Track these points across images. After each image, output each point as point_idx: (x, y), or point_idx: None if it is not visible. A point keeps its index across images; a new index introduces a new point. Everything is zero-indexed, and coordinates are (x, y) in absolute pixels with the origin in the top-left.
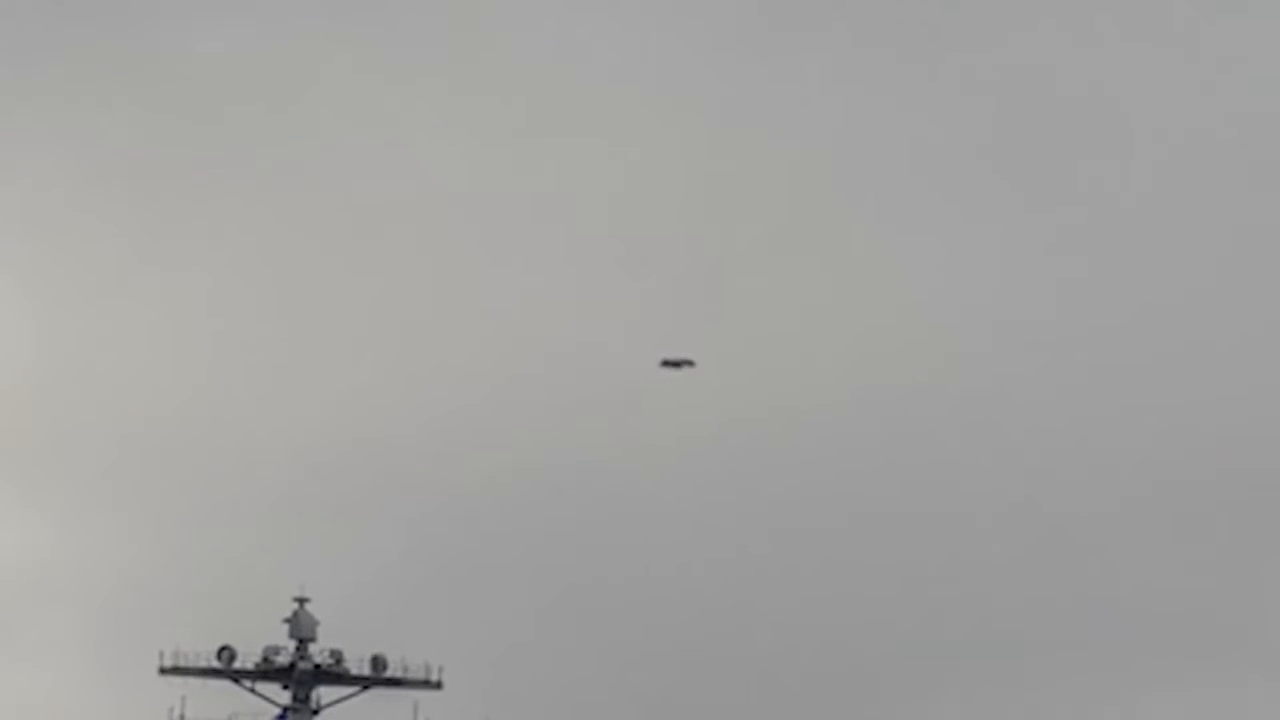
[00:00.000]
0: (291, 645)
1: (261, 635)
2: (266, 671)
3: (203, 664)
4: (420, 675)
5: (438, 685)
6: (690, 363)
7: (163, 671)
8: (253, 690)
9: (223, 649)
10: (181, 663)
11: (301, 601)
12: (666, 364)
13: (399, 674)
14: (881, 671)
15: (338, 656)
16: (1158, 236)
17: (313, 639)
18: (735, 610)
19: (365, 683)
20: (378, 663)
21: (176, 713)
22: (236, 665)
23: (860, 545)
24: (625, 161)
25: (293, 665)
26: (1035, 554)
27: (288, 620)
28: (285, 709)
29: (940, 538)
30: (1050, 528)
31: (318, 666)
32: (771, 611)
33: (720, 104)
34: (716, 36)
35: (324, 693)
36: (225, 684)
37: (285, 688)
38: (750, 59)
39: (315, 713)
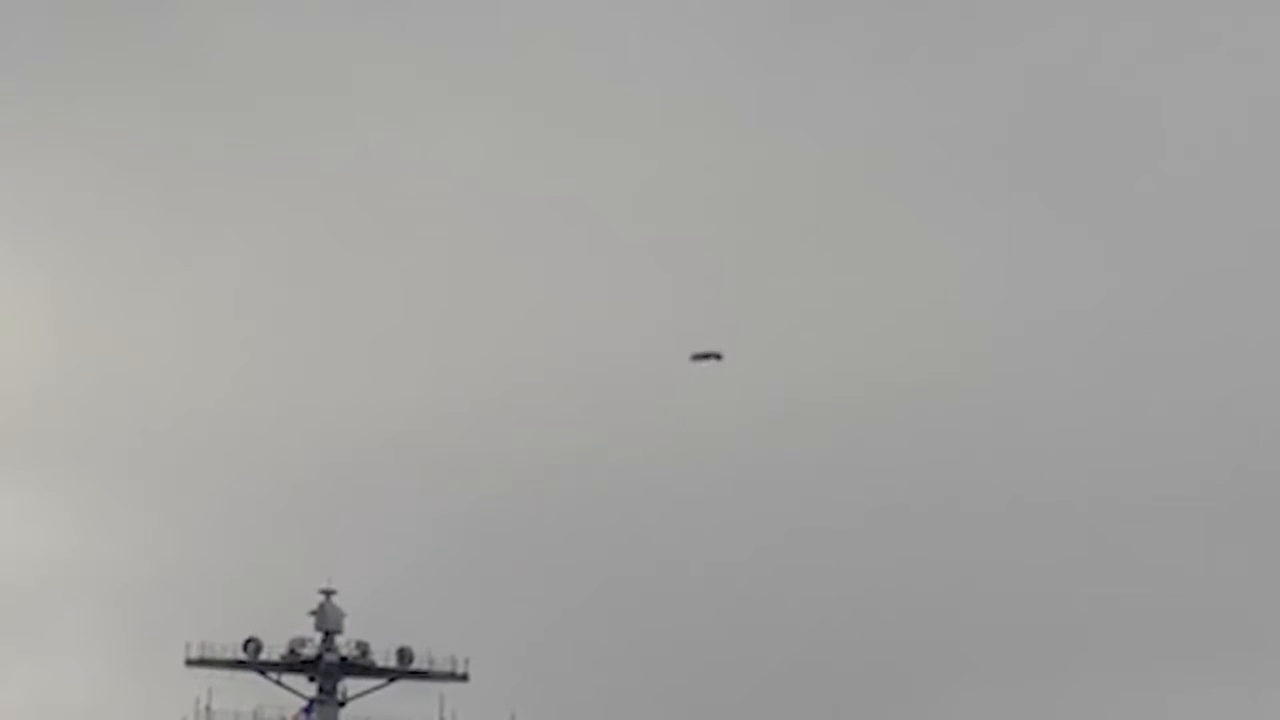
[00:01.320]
0: (318, 637)
1: (288, 627)
2: (293, 663)
3: (229, 656)
4: (446, 668)
5: (464, 678)
6: (718, 356)
7: (189, 663)
8: (279, 682)
9: (249, 641)
10: (208, 654)
11: (328, 594)
12: (696, 357)
13: (425, 666)
14: (907, 667)
15: (364, 648)
16: (1184, 232)
17: (339, 631)
18: (761, 605)
19: (391, 675)
20: (404, 655)
21: (203, 704)
22: (263, 657)
23: (887, 541)
24: (653, 158)
25: (319, 657)
26: (1061, 552)
27: (314, 612)
28: (311, 701)
29: (967, 534)
30: (1077, 525)
31: (344, 658)
32: (798, 607)
33: (747, 101)
34: (743, 34)
35: (350, 684)
36: (251, 676)
37: (311, 680)
38: (777, 56)
39: (341, 704)
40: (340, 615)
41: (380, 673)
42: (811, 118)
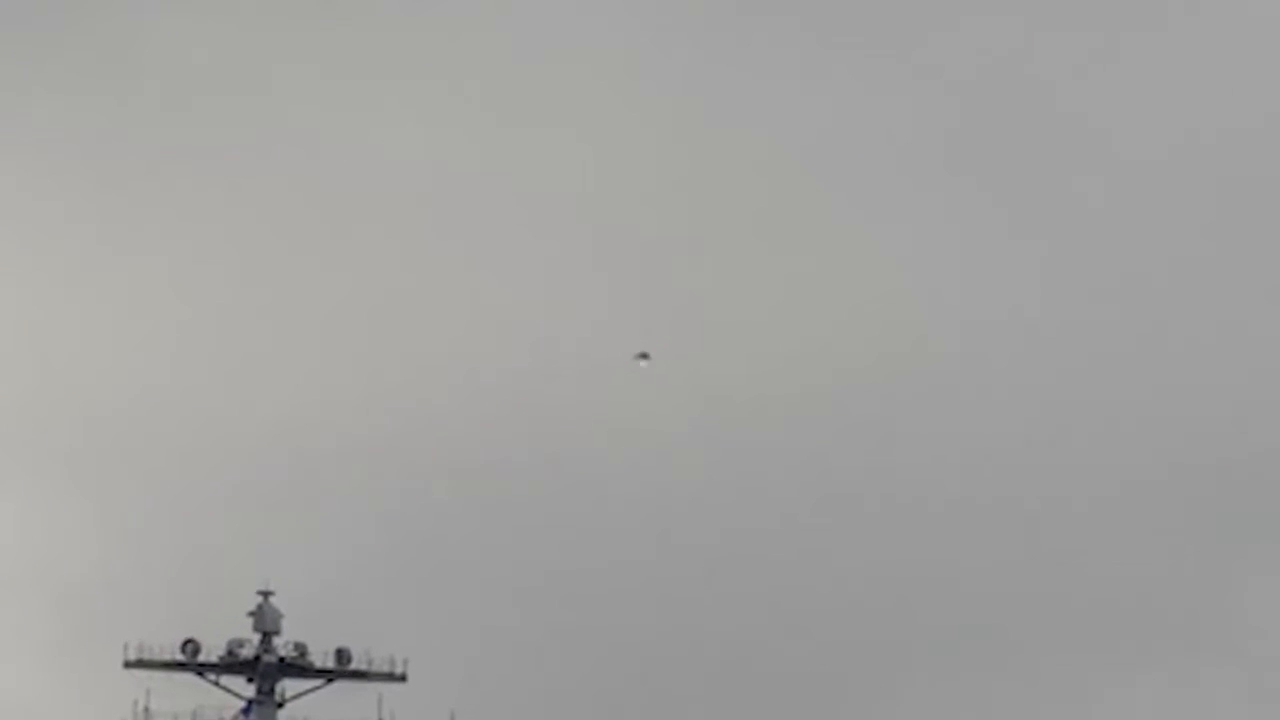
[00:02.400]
0: (256, 638)
1: (226, 628)
2: (231, 664)
3: (167, 657)
4: (385, 668)
5: (402, 678)
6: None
7: (127, 665)
8: (217, 683)
9: (187, 642)
10: (146, 656)
11: (266, 595)
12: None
13: (363, 667)
14: (858, 663)
15: (302, 649)
16: (1129, 228)
17: (277, 632)
18: (708, 602)
19: (330, 675)
20: (342, 655)
21: (141, 706)
22: (201, 658)
23: (836, 536)
24: (595, 153)
25: (257, 658)
26: (1014, 545)
27: (252, 613)
28: (250, 702)
29: (917, 528)
30: (1029, 519)
31: (282, 659)
32: (745, 603)
33: (690, 95)
34: (686, 27)
35: (288, 685)
36: (189, 677)
37: (250, 681)
38: (720, 49)
39: (280, 705)
40: (278, 616)
41: (318, 673)
42: (755, 111)
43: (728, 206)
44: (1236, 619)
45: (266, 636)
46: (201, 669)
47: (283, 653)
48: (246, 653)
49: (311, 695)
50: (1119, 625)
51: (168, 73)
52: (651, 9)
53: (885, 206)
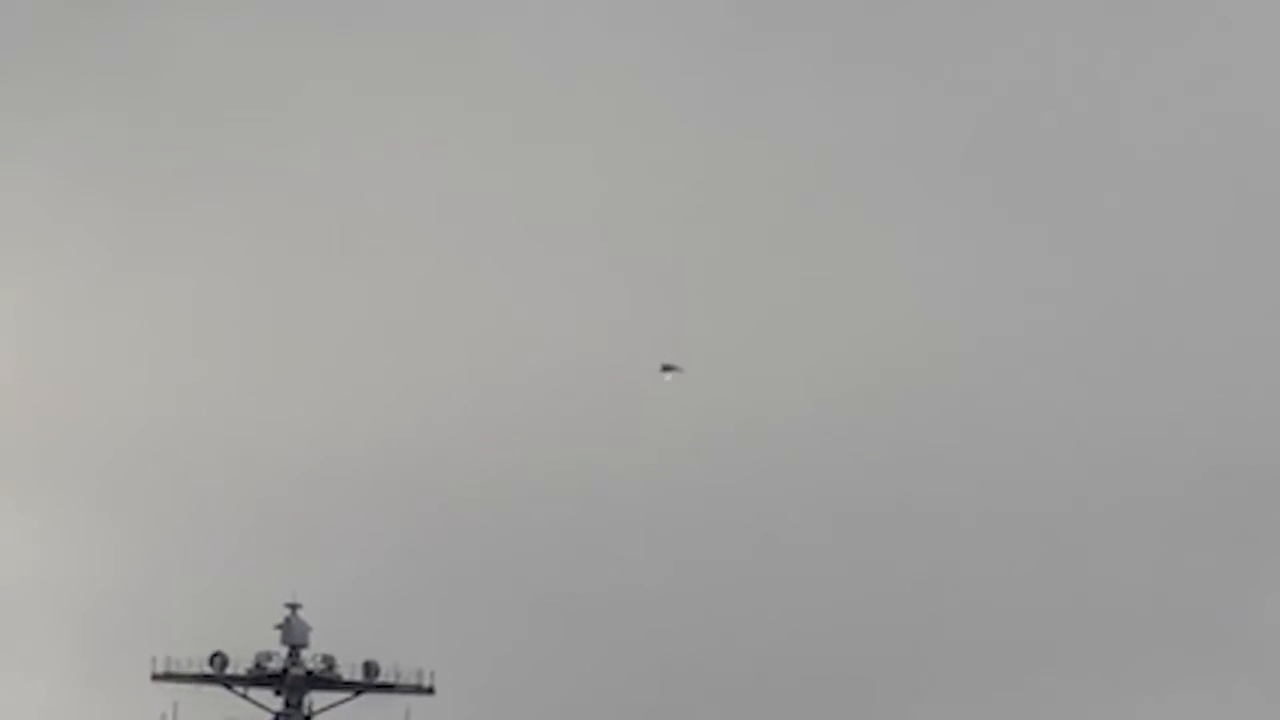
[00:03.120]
0: (284, 651)
1: (254, 641)
2: (259, 678)
3: (195, 670)
4: (412, 681)
5: (430, 691)
6: (677, 368)
7: (155, 678)
8: (245, 696)
9: (215, 655)
10: (173, 669)
11: (293, 607)
12: (666, 368)
13: (391, 680)
14: (872, 676)
15: (330, 662)
16: (1147, 241)
17: (305, 645)
18: (728, 616)
19: (357, 688)
20: (370, 668)
21: (169, 718)
22: (229, 671)
23: (852, 550)
24: (613, 168)
25: (285, 671)
26: (1034, 559)
27: (280, 626)
28: (278, 715)
29: (936, 543)
30: (1049, 532)
31: (310, 672)
32: (765, 617)
33: (707, 108)
34: (705, 42)
35: (316, 698)
36: (217, 690)
37: (278, 694)
38: (737, 63)
39: (308, 718)
40: (306, 629)
41: (346, 686)
42: (774, 125)
43: (746, 221)
44: (1257, 631)
45: (294, 649)
46: (229, 682)
47: (310, 665)
48: (274, 665)
49: (339, 708)
50: (1138, 638)
51: (188, 89)
52: (668, 24)
53: (904, 220)
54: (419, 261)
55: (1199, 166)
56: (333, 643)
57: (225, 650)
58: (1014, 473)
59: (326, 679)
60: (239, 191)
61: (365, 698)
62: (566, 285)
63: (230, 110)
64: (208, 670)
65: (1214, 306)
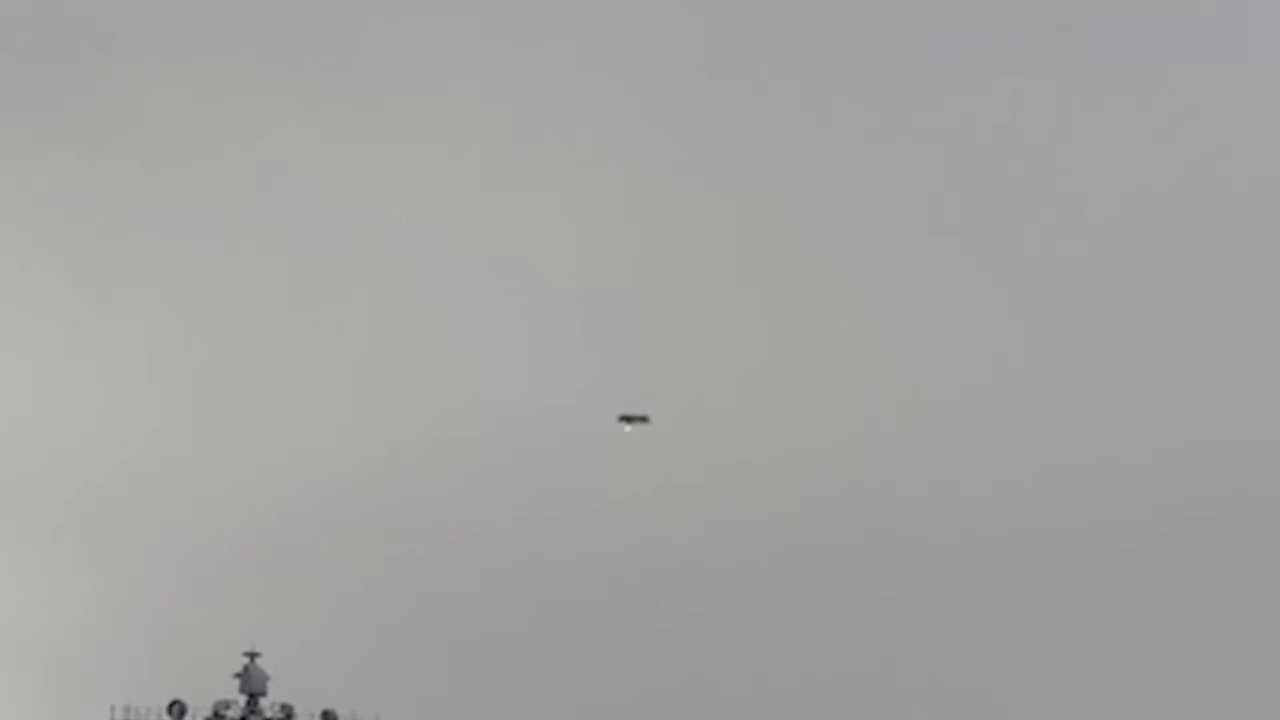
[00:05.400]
0: (242, 700)
1: (212, 690)
2: None
3: (154, 718)
4: None
5: None
6: (645, 419)
7: None
8: None
9: (173, 703)
10: (133, 717)
11: (252, 656)
12: (624, 419)
13: None
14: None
15: (288, 711)
16: (1111, 291)
17: (263, 693)
18: (690, 663)
19: None
20: (328, 717)
21: None
22: (187, 719)
23: (818, 600)
24: (579, 218)
25: (243, 719)
26: (999, 607)
27: (238, 675)
28: None
29: (901, 591)
30: (1014, 581)
31: None
32: (729, 667)
33: (673, 161)
34: (670, 94)
35: None
36: None
37: None
38: (704, 115)
39: None
40: (264, 677)
41: None
42: (740, 177)
43: (711, 272)
44: (1219, 680)
45: (253, 698)
46: None
47: (269, 714)
48: (233, 714)
49: None
50: (1100, 687)
51: (154, 136)
52: (636, 77)
53: (869, 272)
54: (382, 310)
55: (1162, 216)
56: (291, 691)
57: (184, 698)
58: (978, 522)
59: None
60: (203, 239)
61: None
62: (530, 335)
63: (195, 158)
64: (167, 718)
65: (1179, 357)
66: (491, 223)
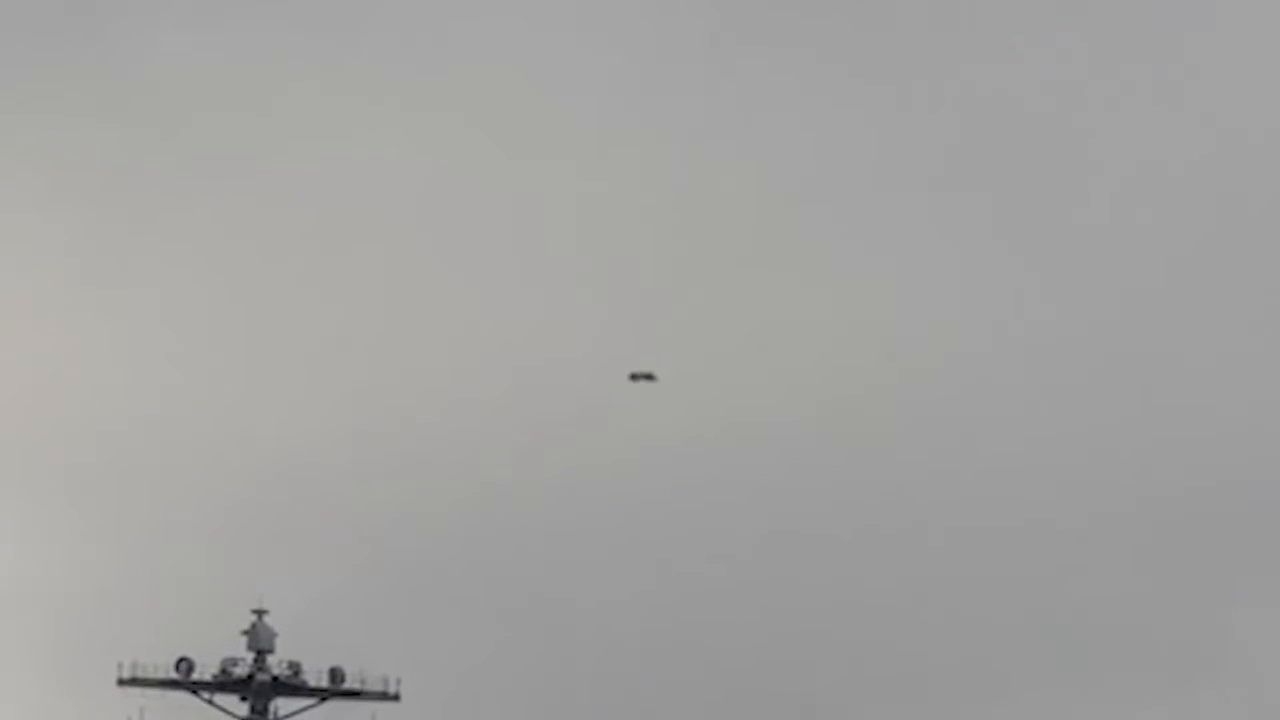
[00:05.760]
0: (250, 657)
1: (220, 647)
2: (224, 683)
3: (161, 675)
4: (378, 687)
5: (395, 697)
6: (652, 376)
7: (121, 683)
8: (210, 702)
9: (181, 660)
10: (140, 674)
11: (260, 613)
12: (634, 377)
13: (357, 686)
14: (850, 689)
15: (296, 668)
16: (1124, 256)
17: (271, 650)
18: (699, 626)
19: (323, 694)
20: (336, 675)
21: None
22: (195, 676)
23: (826, 561)
24: (591, 179)
25: (251, 676)
26: (1008, 572)
27: (246, 632)
28: None
29: (909, 553)
30: (1023, 545)
31: (275, 678)
32: (736, 627)
33: (686, 123)
34: (683, 57)
35: (282, 704)
36: (183, 695)
37: (243, 699)
38: (716, 77)
39: None
40: (272, 635)
41: (312, 692)
42: (753, 138)
43: (721, 232)
44: (1231, 647)
45: (260, 655)
46: (195, 687)
47: (276, 671)
48: (240, 671)
49: (305, 714)
50: (1109, 652)
51: (163, 93)
52: (651, 42)
53: (879, 231)
54: (393, 268)
55: (1177, 182)
56: (299, 649)
57: (191, 655)
58: (987, 488)
59: (292, 685)
60: (213, 196)
61: (331, 704)
62: (542, 294)
63: (205, 114)
64: (174, 675)
65: (1191, 322)
66: (502, 183)
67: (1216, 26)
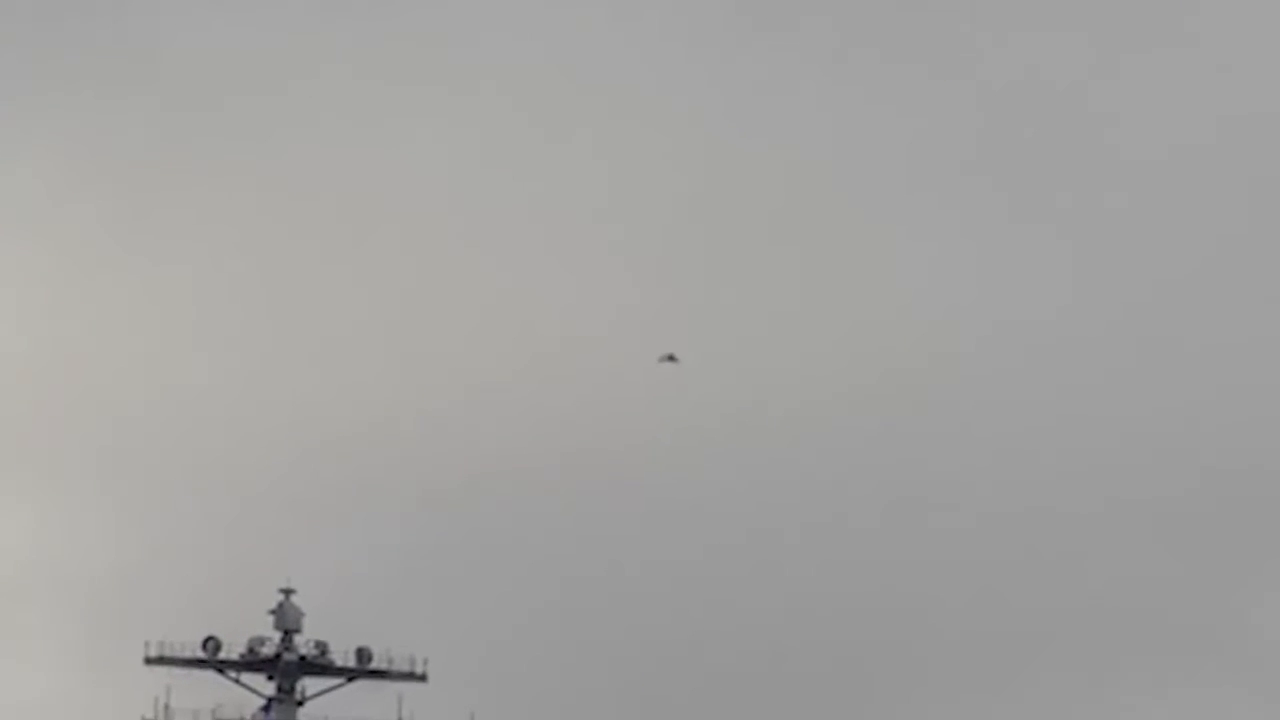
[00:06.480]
0: (277, 636)
1: (247, 626)
2: (251, 662)
3: (188, 654)
4: (405, 667)
5: (422, 678)
6: (674, 358)
7: (148, 661)
8: (238, 681)
9: (208, 639)
10: (167, 653)
11: (287, 593)
12: (664, 359)
13: (384, 666)
14: (867, 671)
15: (323, 648)
16: (1147, 242)
17: (298, 630)
18: (723, 607)
19: (350, 674)
20: (363, 654)
21: (161, 703)
22: (222, 656)
23: (850, 544)
24: (616, 162)
25: (278, 656)
26: (1029, 556)
27: (273, 611)
28: (270, 700)
29: (933, 538)
30: (1044, 530)
31: (303, 658)
32: (760, 609)
33: (712, 104)
34: (708, 38)
35: (309, 684)
36: (210, 674)
37: (270, 679)
38: (741, 60)
39: (300, 704)
40: (299, 614)
41: (339, 672)
42: (776, 123)
43: (747, 217)
44: (1250, 632)
45: (287, 635)
46: (222, 666)
47: (303, 651)
48: (267, 651)
49: (332, 694)
50: (1130, 638)
51: (188, 75)
52: (677, 23)
53: (904, 217)
54: (418, 250)
55: (1202, 167)
56: (326, 628)
57: (218, 635)
58: (1010, 471)
59: (319, 665)
60: (239, 178)
61: (358, 684)
62: (566, 277)
63: (230, 96)
64: (201, 655)
65: (1214, 308)
66: (529, 164)
67: (1243, 11)
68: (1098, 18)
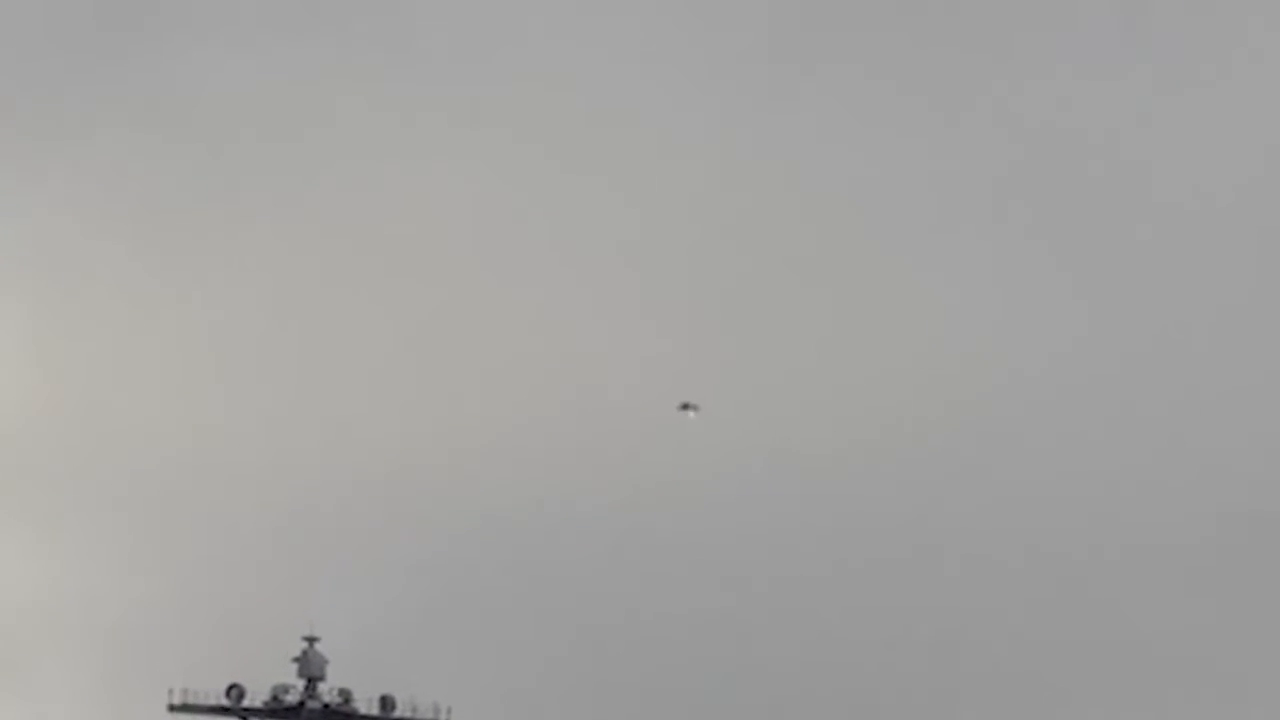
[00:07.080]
0: (301, 684)
1: (271, 674)
2: (275, 710)
3: (212, 702)
4: (429, 715)
5: None
6: (694, 407)
7: (172, 709)
8: None
9: (231, 687)
10: (191, 700)
11: (311, 640)
12: (683, 407)
13: (408, 714)
14: (890, 711)
15: (346, 696)
16: (1174, 282)
17: (322, 678)
18: (743, 654)
19: None
20: (386, 702)
21: None
22: (245, 703)
23: (879, 587)
24: (642, 202)
25: (302, 704)
26: (1060, 596)
27: (297, 659)
28: None
29: (963, 578)
30: (1076, 570)
31: (326, 706)
32: (782, 654)
33: (738, 142)
34: (737, 78)
35: None
36: None
37: None
38: (769, 98)
39: None
40: (323, 662)
41: None
42: (804, 161)
43: (773, 257)
44: (1268, 675)
45: (311, 682)
46: (246, 714)
47: (327, 699)
48: (291, 699)
49: None
50: (1152, 680)
51: (218, 116)
52: (705, 63)
53: (933, 256)
54: (444, 291)
55: (1228, 206)
56: (350, 676)
57: (242, 682)
58: (1044, 511)
59: (343, 712)
60: (266, 217)
61: None
62: (593, 317)
63: (259, 138)
64: (224, 702)
65: (1247, 346)
66: (554, 207)
67: (1271, 55)
68: (1130, 58)
